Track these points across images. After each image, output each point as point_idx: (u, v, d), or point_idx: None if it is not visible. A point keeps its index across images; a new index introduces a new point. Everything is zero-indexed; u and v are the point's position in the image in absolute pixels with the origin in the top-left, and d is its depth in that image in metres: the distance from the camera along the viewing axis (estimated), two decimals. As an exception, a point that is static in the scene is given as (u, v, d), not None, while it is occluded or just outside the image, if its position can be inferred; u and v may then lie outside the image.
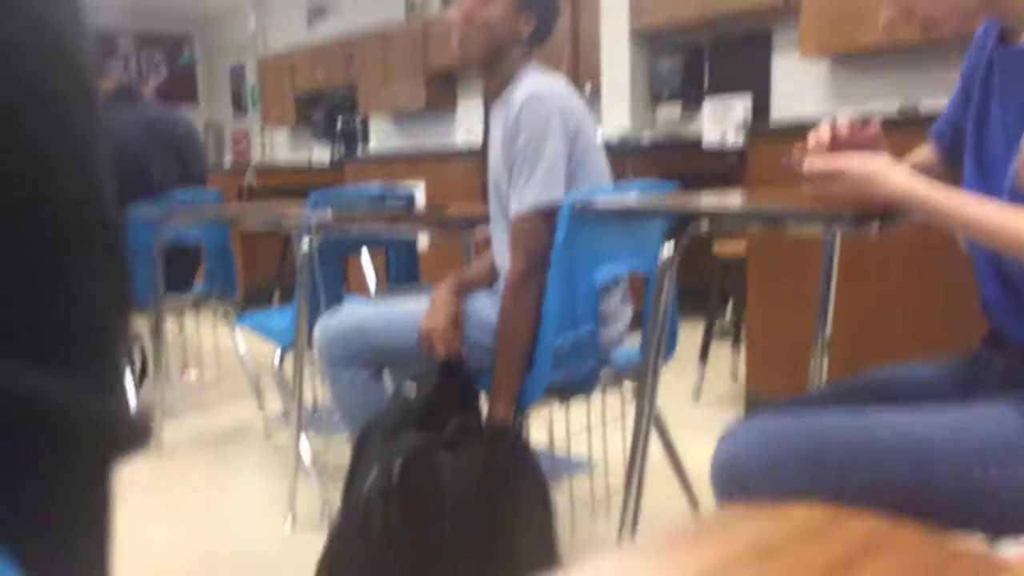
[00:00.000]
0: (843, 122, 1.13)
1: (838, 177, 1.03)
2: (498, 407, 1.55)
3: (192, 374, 3.61)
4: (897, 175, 1.00)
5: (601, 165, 1.67)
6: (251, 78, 9.86)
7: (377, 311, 1.70)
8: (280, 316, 2.44)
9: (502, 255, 1.67)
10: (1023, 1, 1.01)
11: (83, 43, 0.25)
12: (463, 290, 1.68)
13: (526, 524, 1.52)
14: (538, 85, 1.57)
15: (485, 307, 1.65)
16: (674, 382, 3.14)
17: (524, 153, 1.54)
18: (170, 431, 2.86)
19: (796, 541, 0.49)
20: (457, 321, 1.60)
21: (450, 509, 1.44)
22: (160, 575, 1.86)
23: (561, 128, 1.55)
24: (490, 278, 1.78)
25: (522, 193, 1.55)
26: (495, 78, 1.67)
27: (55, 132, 0.23)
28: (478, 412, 1.62)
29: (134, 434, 0.25)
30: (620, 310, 1.73)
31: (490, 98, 1.71)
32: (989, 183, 1.06)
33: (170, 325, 3.30)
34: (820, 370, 1.62)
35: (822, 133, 1.13)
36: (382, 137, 8.25)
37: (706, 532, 0.49)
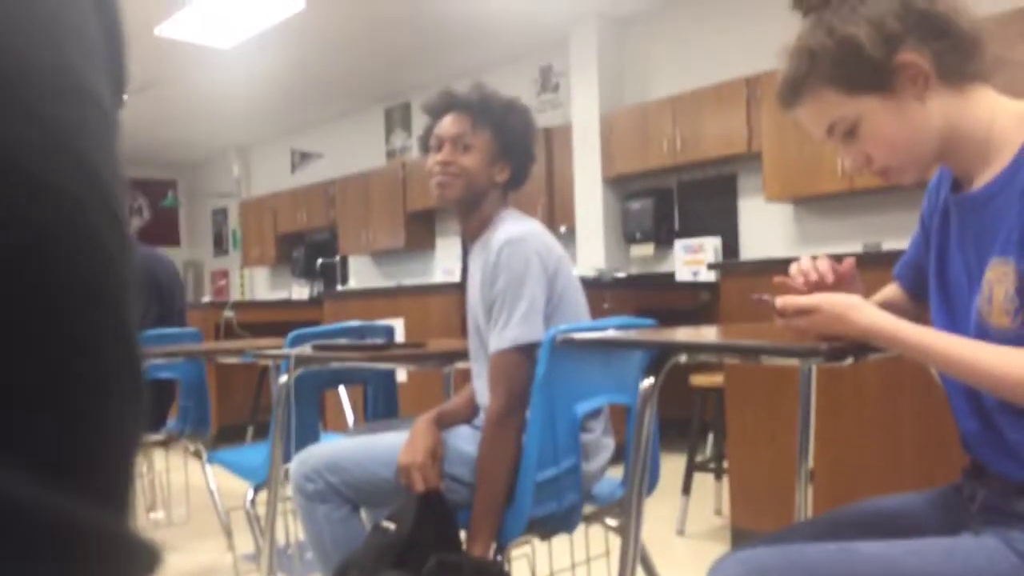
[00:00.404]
0: (822, 261, 1.19)
1: (812, 313, 1.07)
2: (477, 544, 1.51)
3: (160, 514, 3.48)
4: (866, 313, 1.04)
5: (580, 303, 1.70)
6: (233, 220, 10.07)
7: (354, 444, 1.68)
8: (253, 453, 2.39)
9: (482, 392, 1.68)
10: (971, 153, 1.07)
11: (119, 182, 0.27)
12: (443, 423, 1.67)
13: None
14: (516, 229, 1.62)
15: (466, 441, 1.63)
16: (657, 515, 3.08)
17: (503, 295, 1.58)
18: None
19: None
20: (436, 454, 1.58)
21: None
22: None
23: (540, 270, 1.60)
24: (470, 411, 1.78)
25: (502, 332, 1.58)
26: (473, 221, 1.73)
27: (98, 271, 0.25)
28: (459, 548, 1.58)
29: (150, 557, 0.26)
30: (602, 443, 1.73)
31: (468, 240, 1.77)
32: (955, 321, 1.10)
33: (139, 463, 3.21)
34: (804, 502, 1.61)
35: (804, 268, 1.19)
36: (361, 276, 8.37)
37: None
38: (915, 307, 1.27)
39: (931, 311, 1.17)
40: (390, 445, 1.63)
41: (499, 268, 1.58)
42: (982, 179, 1.05)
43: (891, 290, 1.34)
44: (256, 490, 2.23)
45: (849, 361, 1.13)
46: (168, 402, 3.07)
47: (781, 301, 1.09)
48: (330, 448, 1.68)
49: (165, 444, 3.04)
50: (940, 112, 1.04)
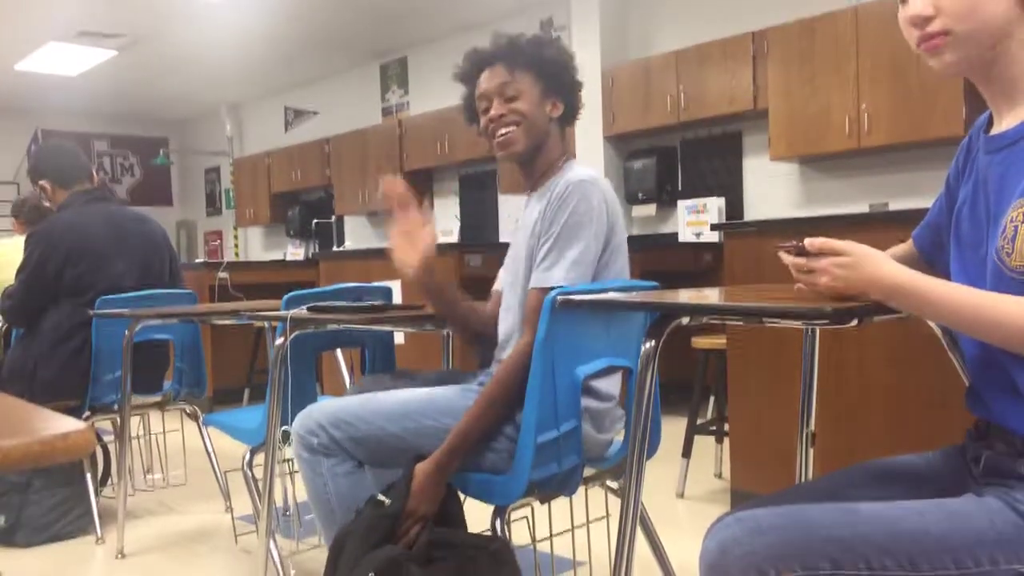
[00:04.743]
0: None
1: (840, 255, 1.03)
2: (440, 457, 1.47)
3: (157, 475, 3.48)
4: (896, 264, 1.03)
5: (625, 264, 1.68)
6: (226, 179, 9.97)
7: (360, 401, 1.64)
8: (249, 415, 2.37)
9: (507, 323, 1.67)
10: (1007, 86, 1.05)
11: None
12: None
13: None
14: (586, 173, 1.61)
15: (459, 398, 1.61)
16: (658, 477, 3.08)
17: (562, 231, 1.55)
18: (132, 536, 2.72)
19: None
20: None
21: None
22: None
23: (603, 219, 1.58)
24: (482, 324, 1.78)
25: (550, 270, 1.55)
26: (538, 168, 1.70)
27: None
28: (460, 524, 1.56)
29: None
30: (617, 413, 1.70)
31: (532, 187, 1.73)
32: (970, 270, 1.09)
33: (136, 425, 3.20)
34: (805, 465, 1.60)
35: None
36: (357, 236, 8.32)
37: None
38: (927, 269, 1.24)
39: (951, 266, 1.15)
40: (397, 402, 1.61)
41: (566, 202, 1.55)
42: (1015, 118, 1.05)
43: (905, 248, 1.32)
44: (253, 452, 2.22)
45: (854, 324, 1.10)
46: (164, 364, 3.04)
47: (809, 240, 1.07)
48: (334, 404, 1.64)
49: (161, 406, 3.02)
50: (1014, 19, 1.02)
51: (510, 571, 1.47)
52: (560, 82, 1.70)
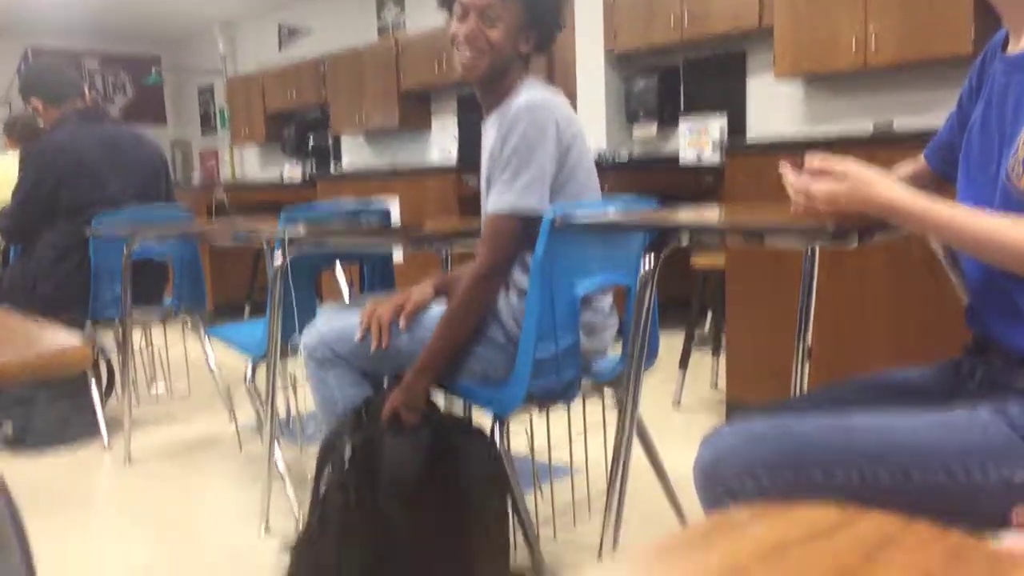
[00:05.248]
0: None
1: (839, 175, 1.03)
2: (410, 379, 1.54)
3: (160, 387, 3.54)
4: (896, 184, 1.02)
5: (591, 183, 1.66)
6: (220, 98, 9.79)
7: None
8: (251, 328, 2.39)
9: None
10: None
11: None
12: (441, 290, 1.67)
13: (478, 501, 1.54)
14: (537, 96, 1.57)
15: None
16: (654, 389, 3.15)
17: (512, 158, 1.53)
18: (138, 444, 2.79)
19: (806, 541, 0.46)
20: (406, 313, 1.60)
21: (398, 491, 1.48)
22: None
23: (554, 139, 1.55)
24: None
25: (502, 195, 1.54)
26: (494, 93, 1.66)
27: None
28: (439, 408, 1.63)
29: None
30: (607, 322, 1.72)
31: (487, 110, 1.70)
32: (979, 191, 1.08)
33: (137, 338, 3.24)
34: (801, 378, 1.62)
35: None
36: (354, 156, 8.22)
37: (712, 534, 0.47)
38: (937, 188, 1.24)
39: (958, 184, 1.14)
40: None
41: (514, 130, 1.53)
42: None
43: (916, 165, 1.32)
44: (255, 364, 2.25)
45: (854, 243, 1.10)
46: (163, 281, 3.06)
47: (809, 158, 1.06)
48: (340, 321, 1.68)
49: (163, 320, 3.06)
50: None
51: (483, 446, 1.55)
52: (543, 19, 1.63)
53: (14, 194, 2.83)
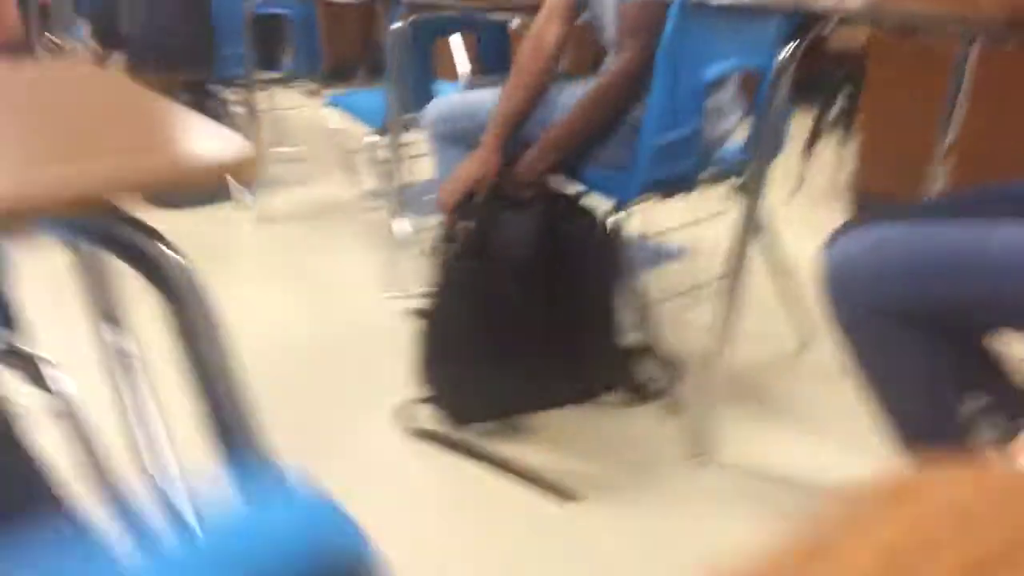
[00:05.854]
0: None
1: None
2: (530, 163, 1.53)
3: (284, 148, 3.68)
4: None
5: None
6: None
7: (493, 96, 1.65)
8: (370, 97, 2.42)
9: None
10: None
11: None
12: (509, 135, 1.58)
13: (595, 275, 1.57)
14: None
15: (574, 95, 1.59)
16: (774, 172, 3.05)
17: None
18: (267, 202, 2.94)
19: (997, 505, 0.43)
20: (482, 187, 1.54)
21: (516, 265, 1.50)
22: (267, 334, 2.00)
23: None
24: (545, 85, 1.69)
25: None
26: None
27: None
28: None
29: None
30: (730, 107, 1.67)
31: None
32: None
33: (260, 100, 3.32)
34: (939, 177, 1.54)
35: None
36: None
37: (898, 495, 0.43)
38: None
39: None
40: None
41: None
42: None
43: None
44: (376, 132, 2.29)
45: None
46: (280, 41, 3.07)
47: None
48: (467, 97, 1.70)
49: (283, 82, 3.10)
50: None
51: (590, 220, 1.56)
52: None
53: None
